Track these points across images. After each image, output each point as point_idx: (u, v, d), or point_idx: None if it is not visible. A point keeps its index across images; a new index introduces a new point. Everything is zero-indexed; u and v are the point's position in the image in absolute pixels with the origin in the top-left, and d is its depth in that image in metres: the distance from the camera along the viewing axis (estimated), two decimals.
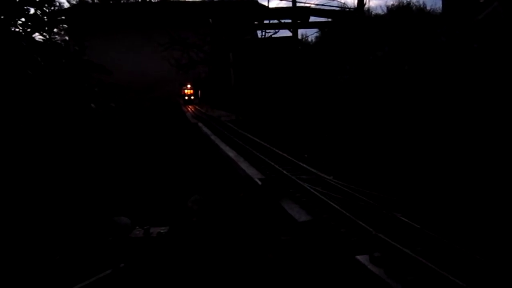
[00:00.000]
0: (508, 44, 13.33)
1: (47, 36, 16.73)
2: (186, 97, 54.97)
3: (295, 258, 7.78)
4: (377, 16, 37.02)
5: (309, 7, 38.57)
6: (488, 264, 5.94)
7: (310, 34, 69.48)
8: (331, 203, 8.79)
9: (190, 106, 47.14)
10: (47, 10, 16.79)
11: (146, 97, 44.32)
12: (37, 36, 16.56)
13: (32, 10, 16.08)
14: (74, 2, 49.76)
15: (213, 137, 21.37)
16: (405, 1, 35.34)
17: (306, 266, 7.43)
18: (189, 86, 55.00)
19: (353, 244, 7.21)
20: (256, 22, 40.09)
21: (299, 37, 39.70)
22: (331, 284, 6.82)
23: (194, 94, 56.03)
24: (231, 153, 16.13)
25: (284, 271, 7.63)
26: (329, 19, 38.81)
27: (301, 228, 8.45)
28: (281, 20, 38.95)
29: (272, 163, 13.14)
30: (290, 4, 38.30)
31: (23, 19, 15.51)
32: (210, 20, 42.86)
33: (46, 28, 16.32)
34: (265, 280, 7.67)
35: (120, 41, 48.63)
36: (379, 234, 6.96)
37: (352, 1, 34.51)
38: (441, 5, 28.64)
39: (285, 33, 39.65)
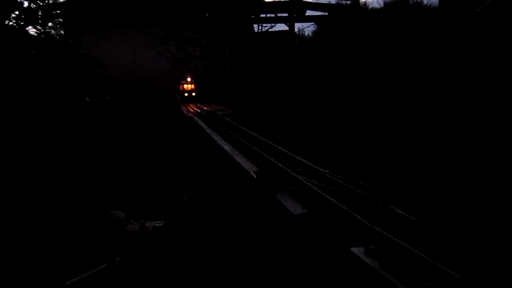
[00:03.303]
0: (505, 37, 13.32)
1: (41, 30, 16.64)
2: (186, 94, 44.52)
3: (290, 251, 7.77)
4: (374, 10, 36.97)
5: (305, 0, 38.45)
6: (482, 255, 5.94)
7: (307, 27, 68.88)
8: (327, 196, 8.76)
9: (190, 106, 38.67)
10: (41, 4, 16.71)
11: (142, 91, 44.09)
12: (31, 30, 16.48)
13: (25, 4, 16.00)
14: None
15: (208, 130, 21.30)
16: None
17: (301, 258, 7.42)
18: (189, 79, 44.67)
19: (348, 236, 7.18)
20: (252, 16, 39.92)
21: (296, 31, 39.68)
22: (327, 276, 6.82)
23: (196, 89, 44.92)
24: (227, 147, 16.08)
25: (279, 264, 7.63)
26: (326, 13, 38.70)
27: (296, 221, 8.43)
28: (277, 14, 38.86)
29: (268, 157, 13.09)
30: None
31: (16, 13, 15.43)
32: (206, 14, 42.69)
33: (40, 22, 16.24)
34: (261, 272, 7.66)
35: (117, 35, 48.29)
36: (374, 227, 6.94)
37: None
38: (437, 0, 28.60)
39: (281, 27, 39.59)
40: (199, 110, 33.37)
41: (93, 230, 10.42)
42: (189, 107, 37.00)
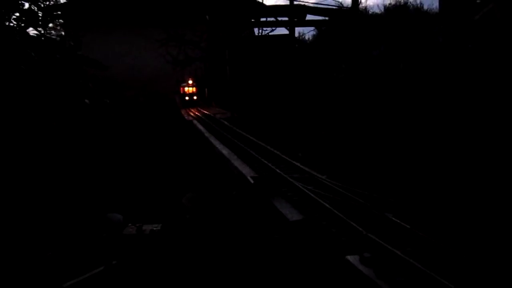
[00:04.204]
0: (504, 44, 13.38)
1: (42, 31, 16.67)
2: (187, 97, 41.79)
3: (285, 257, 7.79)
4: (374, 15, 37.09)
5: (306, 5, 38.49)
6: (478, 264, 5.97)
7: (307, 32, 69.07)
8: (323, 202, 8.79)
9: (190, 109, 36.54)
10: (42, 5, 16.76)
11: (142, 93, 44.03)
12: (32, 31, 16.51)
13: (26, 5, 16.04)
14: None
15: (207, 134, 21.33)
16: (402, 1, 35.41)
17: (297, 265, 7.44)
18: (190, 82, 42.07)
19: (343, 244, 7.21)
20: (252, 20, 39.93)
21: (296, 35, 39.74)
22: (321, 284, 6.84)
23: (198, 93, 42.27)
24: (225, 151, 16.10)
25: (275, 270, 7.65)
26: (326, 18, 38.74)
27: (292, 227, 8.45)
28: (277, 18, 38.87)
29: (266, 162, 13.13)
30: (287, 2, 38.30)
31: (17, 14, 15.47)
32: (207, 17, 42.71)
33: (41, 23, 16.27)
34: (257, 277, 7.68)
35: (117, 37, 48.20)
36: (369, 235, 6.97)
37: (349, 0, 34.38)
38: (438, 5, 28.70)
39: (282, 31, 39.62)
40: (198, 113, 33.38)
41: (90, 232, 10.42)
42: (188, 111, 36.88)
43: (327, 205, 8.61)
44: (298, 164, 12.76)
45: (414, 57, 17.37)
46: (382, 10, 37.37)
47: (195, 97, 41.74)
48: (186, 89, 42.16)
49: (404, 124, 14.43)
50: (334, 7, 37.16)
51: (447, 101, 13.61)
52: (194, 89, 42.08)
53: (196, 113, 34.21)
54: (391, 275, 5.92)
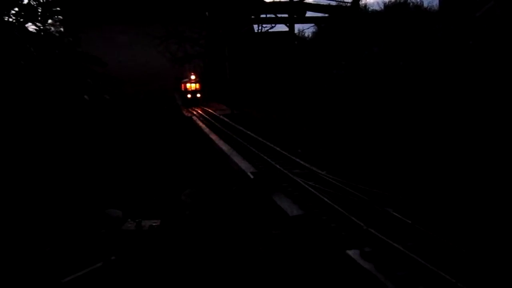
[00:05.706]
0: (505, 40, 13.36)
1: (41, 27, 16.59)
2: (189, 95, 36.98)
3: (286, 252, 7.77)
4: (374, 12, 37.04)
5: (305, 2, 38.44)
6: (478, 259, 5.95)
7: (307, 29, 68.71)
8: (323, 197, 8.77)
9: (196, 111, 32.51)
10: (41, 1, 16.68)
11: (142, 90, 43.88)
12: (31, 27, 16.44)
13: (25, 0, 15.97)
14: None
15: (206, 130, 21.30)
16: None
17: (297, 260, 7.41)
18: (193, 77, 37.48)
19: (344, 238, 7.19)
20: (252, 16, 39.85)
21: (296, 32, 39.67)
22: (322, 279, 6.81)
23: (201, 90, 37.60)
24: (225, 147, 16.07)
25: (275, 265, 7.62)
26: (326, 15, 38.68)
27: (292, 222, 8.42)
28: (277, 15, 38.80)
29: (265, 157, 13.10)
30: None
31: (16, 9, 15.39)
32: (207, 13, 42.63)
33: (40, 19, 16.20)
34: (257, 273, 7.66)
35: (116, 33, 48.01)
36: (370, 229, 6.94)
37: None
38: (437, 3, 28.67)
39: (281, 27, 39.55)
40: (198, 110, 33.26)
41: (89, 228, 10.38)
42: (191, 109, 36.02)
43: (327, 200, 8.59)
44: (298, 160, 12.74)
45: (414, 54, 17.33)
46: (382, 7, 37.29)
47: (198, 95, 36.93)
48: (188, 85, 37.35)
49: (404, 120, 14.41)
50: (334, 4, 37.09)
51: (446, 97, 13.59)
52: (197, 85, 37.27)
53: (196, 108, 34.02)
54: (392, 269, 5.90)
